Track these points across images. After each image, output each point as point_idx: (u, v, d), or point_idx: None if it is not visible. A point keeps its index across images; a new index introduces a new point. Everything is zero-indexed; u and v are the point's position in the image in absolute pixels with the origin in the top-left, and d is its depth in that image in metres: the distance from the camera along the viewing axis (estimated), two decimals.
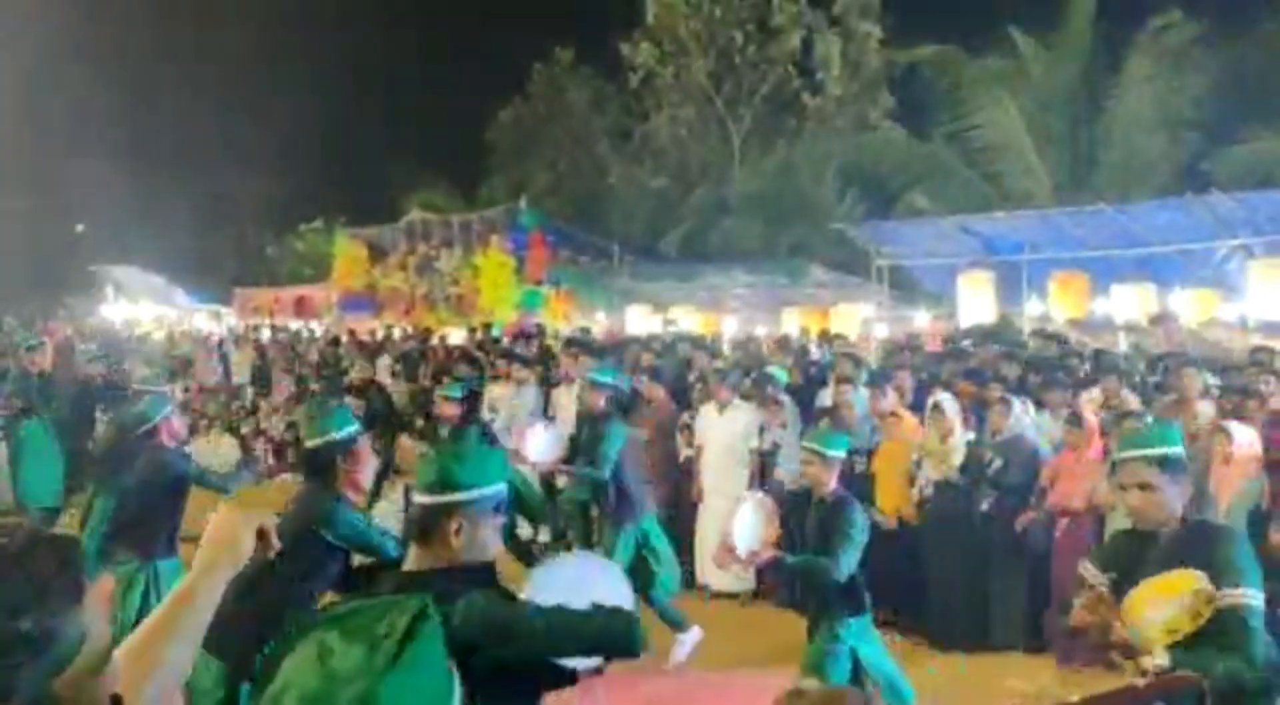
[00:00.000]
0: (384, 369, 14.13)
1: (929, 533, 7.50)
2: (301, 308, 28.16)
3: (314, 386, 16.41)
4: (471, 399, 12.01)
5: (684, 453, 9.14)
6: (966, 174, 20.76)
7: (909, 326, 15.74)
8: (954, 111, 21.16)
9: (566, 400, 10.21)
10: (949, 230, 16.40)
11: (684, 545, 9.01)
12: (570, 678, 2.52)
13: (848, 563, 4.86)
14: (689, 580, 8.84)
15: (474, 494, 2.61)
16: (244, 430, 15.55)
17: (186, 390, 18.00)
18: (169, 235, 32.27)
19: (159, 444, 5.91)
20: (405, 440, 7.79)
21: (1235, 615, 3.05)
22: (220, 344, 21.18)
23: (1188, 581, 3.09)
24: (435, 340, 17.41)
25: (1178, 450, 3.43)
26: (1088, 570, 3.47)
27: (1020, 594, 7.20)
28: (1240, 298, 13.82)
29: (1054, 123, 20.14)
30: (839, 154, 23.64)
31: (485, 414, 11.40)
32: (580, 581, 2.80)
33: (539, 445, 7.21)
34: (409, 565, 2.56)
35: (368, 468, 4.35)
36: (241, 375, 18.76)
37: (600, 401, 7.22)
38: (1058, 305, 15.29)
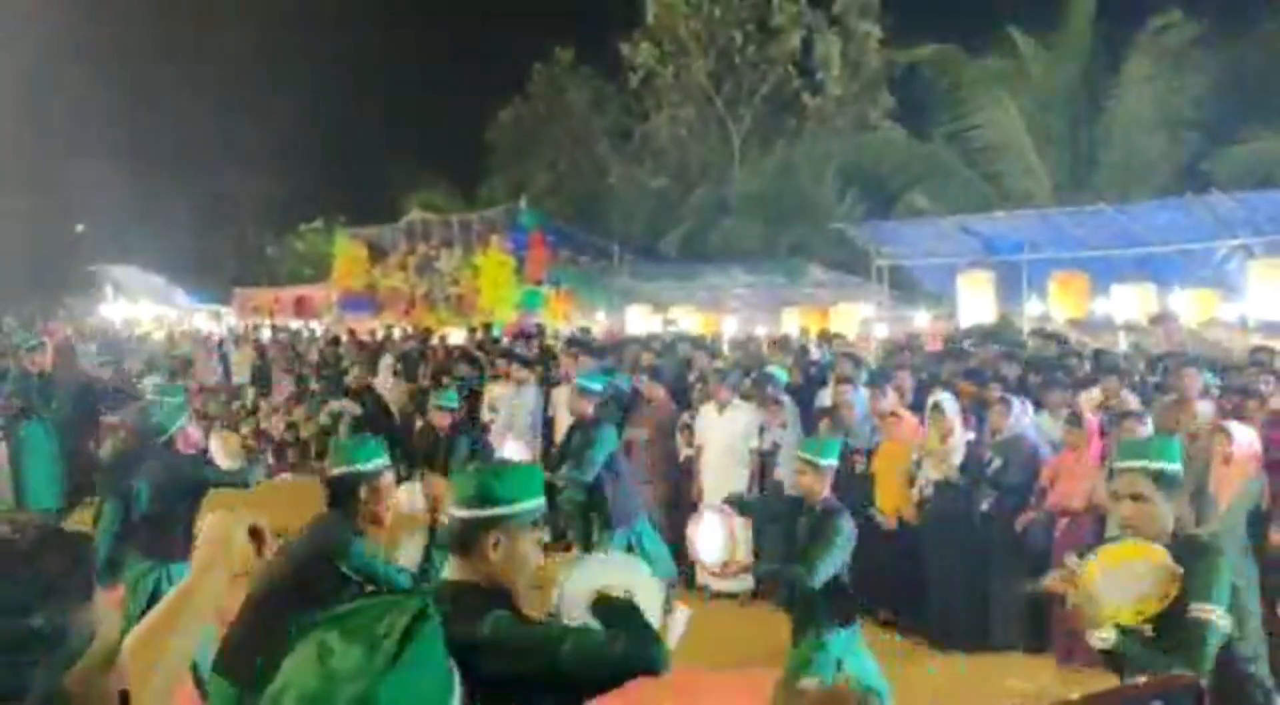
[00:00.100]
0: (386, 368, 14.14)
1: (929, 533, 7.50)
2: (301, 308, 28.17)
3: (314, 386, 16.43)
4: (472, 399, 12.06)
5: (684, 452, 9.15)
6: (966, 174, 20.77)
7: (909, 326, 15.75)
8: (954, 111, 21.16)
9: (566, 400, 10.22)
10: (949, 230, 16.40)
11: (684, 545, 9.03)
12: (576, 698, 2.55)
13: (823, 570, 4.78)
14: (689, 580, 8.85)
15: (513, 509, 2.66)
16: (244, 430, 15.55)
17: (186, 390, 18.00)
18: (169, 235, 32.28)
19: (176, 451, 5.96)
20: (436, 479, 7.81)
21: (1197, 628, 3.13)
22: (220, 344, 21.19)
23: (1143, 551, 3.17)
24: (435, 340, 17.42)
25: (1175, 466, 3.46)
26: (1071, 560, 3.53)
27: (1020, 594, 7.19)
28: (1240, 298, 13.83)
29: (1054, 123, 20.15)
30: (839, 154, 23.64)
31: (485, 414, 11.43)
32: (608, 580, 2.82)
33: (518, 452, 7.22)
34: (446, 575, 2.65)
35: (390, 502, 4.27)
36: (241, 375, 18.77)
37: (589, 408, 7.25)
38: (1058, 305, 15.30)
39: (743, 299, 20.29)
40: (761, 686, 4.78)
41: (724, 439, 8.65)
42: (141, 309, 30.27)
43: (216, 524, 1.93)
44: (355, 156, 33.99)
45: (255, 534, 1.94)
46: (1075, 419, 7.12)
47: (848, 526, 4.95)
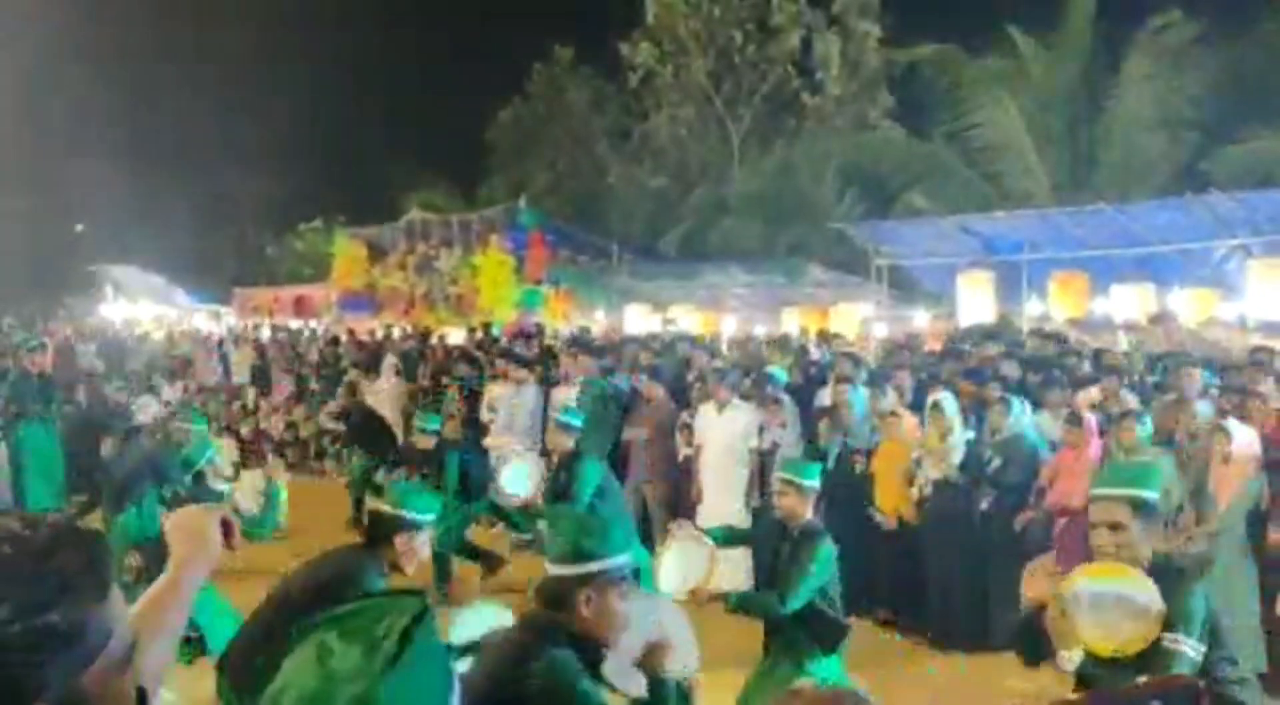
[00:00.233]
0: (390, 368, 14.15)
1: (929, 532, 7.50)
2: (301, 307, 28.16)
3: (314, 386, 16.44)
4: (471, 399, 12.07)
5: (683, 452, 9.15)
6: (966, 174, 20.76)
7: (908, 326, 15.74)
8: (953, 111, 21.16)
9: (566, 400, 10.22)
10: (948, 230, 16.41)
11: None
12: None
13: (795, 598, 4.67)
14: None
15: (604, 565, 2.77)
16: (244, 430, 15.57)
17: (186, 390, 18.01)
18: (169, 235, 32.27)
19: (204, 487, 5.91)
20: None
21: (1166, 658, 3.14)
22: (220, 344, 21.19)
23: (1132, 581, 3.16)
24: (435, 340, 17.42)
25: (1154, 494, 3.47)
26: (1048, 565, 3.54)
27: (1020, 593, 7.19)
28: (1239, 297, 13.83)
29: (1053, 122, 20.14)
30: (838, 153, 23.63)
31: (485, 413, 11.43)
32: (646, 621, 2.92)
33: (516, 479, 7.19)
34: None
35: (418, 559, 4.18)
36: (241, 375, 18.79)
37: (569, 443, 7.22)
38: (1057, 305, 15.29)
39: (742, 298, 20.29)
40: None
41: (723, 438, 8.64)
42: (141, 309, 30.26)
43: (189, 518, 1.93)
44: (355, 156, 34.01)
45: (225, 526, 1.96)
46: (1075, 418, 7.13)
47: (826, 549, 4.80)
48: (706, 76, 27.47)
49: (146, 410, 9.54)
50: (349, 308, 25.40)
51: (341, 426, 12.46)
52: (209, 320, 29.18)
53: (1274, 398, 7.36)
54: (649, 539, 9.09)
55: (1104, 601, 3.19)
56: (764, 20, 26.95)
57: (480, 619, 3.76)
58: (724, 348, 13.74)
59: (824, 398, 8.79)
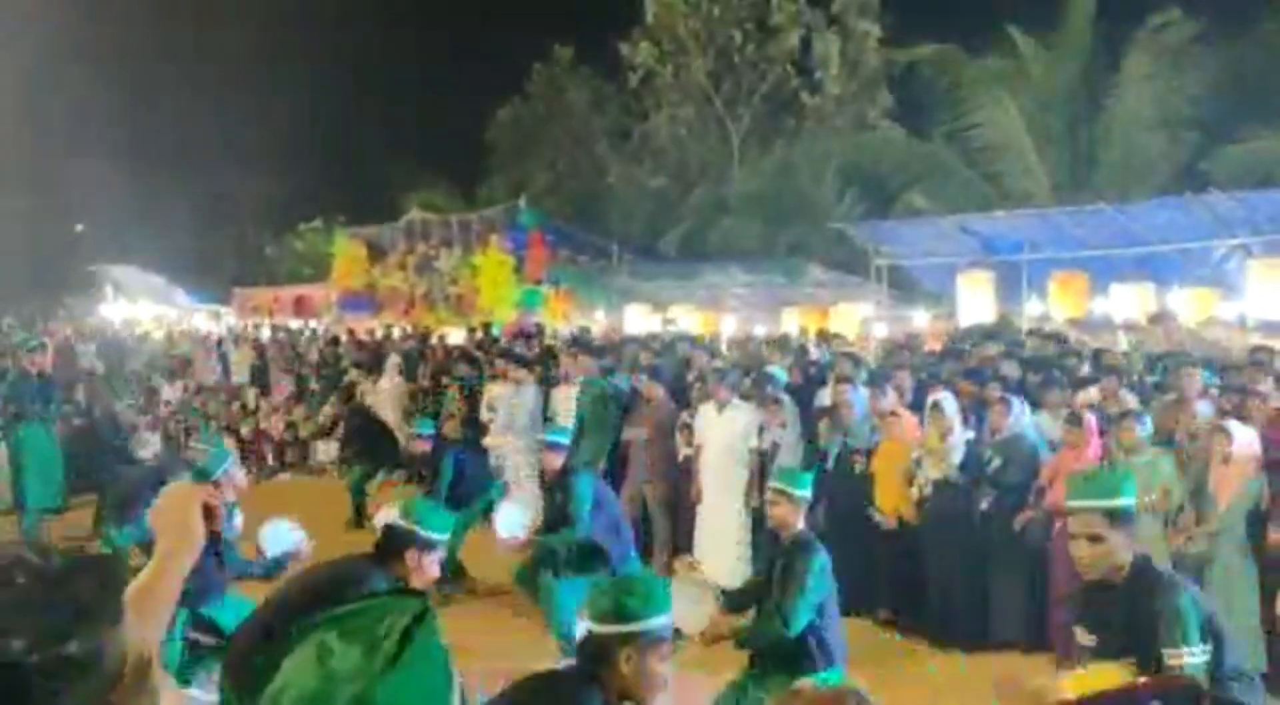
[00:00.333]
0: (393, 368, 14.15)
1: (929, 532, 7.50)
2: (301, 307, 28.16)
3: (313, 386, 16.45)
4: (471, 399, 12.08)
5: (683, 452, 9.14)
6: (966, 173, 20.76)
7: (908, 326, 15.74)
8: (953, 111, 21.15)
9: (566, 400, 10.23)
10: (948, 230, 16.40)
11: (682, 545, 9.02)
12: None
13: (798, 619, 4.64)
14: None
15: (646, 625, 2.78)
16: (244, 430, 15.57)
17: (186, 390, 18.02)
18: (169, 235, 32.28)
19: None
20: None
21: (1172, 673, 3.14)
22: (220, 344, 21.20)
23: (1108, 677, 3.15)
24: (435, 340, 17.43)
25: (1128, 501, 3.48)
26: (1081, 636, 3.54)
27: (1020, 593, 7.20)
28: (1239, 297, 13.83)
29: (1053, 122, 20.14)
30: (838, 153, 23.63)
31: (484, 413, 11.44)
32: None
33: (509, 522, 7.18)
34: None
35: (427, 578, 4.14)
36: (241, 375, 18.80)
37: (557, 461, 7.21)
38: (1057, 305, 15.29)
39: (742, 298, 20.28)
40: None
41: (723, 438, 8.64)
42: (141, 309, 30.27)
43: (172, 504, 1.94)
44: (355, 156, 34.02)
45: (208, 512, 1.97)
46: (1075, 418, 7.12)
47: (820, 561, 4.77)
48: (706, 76, 27.47)
49: (148, 448, 9.54)
50: (349, 308, 25.40)
51: (337, 433, 12.50)
52: (209, 320, 29.19)
53: (1274, 397, 7.36)
54: (649, 538, 9.12)
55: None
56: (763, 20, 26.95)
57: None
58: (724, 348, 13.74)
59: (824, 398, 8.78)
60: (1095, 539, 3.39)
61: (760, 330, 16.55)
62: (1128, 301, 14.59)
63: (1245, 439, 6.52)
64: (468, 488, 8.78)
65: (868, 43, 25.96)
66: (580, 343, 12.96)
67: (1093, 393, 8.10)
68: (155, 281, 32.36)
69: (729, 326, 18.25)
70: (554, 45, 30.47)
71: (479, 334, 17.02)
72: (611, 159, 29.29)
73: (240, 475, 6.22)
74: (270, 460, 15.13)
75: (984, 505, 7.27)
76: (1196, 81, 18.71)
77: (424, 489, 8.49)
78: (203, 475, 5.88)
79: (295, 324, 24.70)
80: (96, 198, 31.63)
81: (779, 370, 9.64)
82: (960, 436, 7.40)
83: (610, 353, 11.64)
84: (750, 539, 8.42)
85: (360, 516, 10.92)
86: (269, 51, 31.65)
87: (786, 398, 8.81)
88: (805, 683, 1.90)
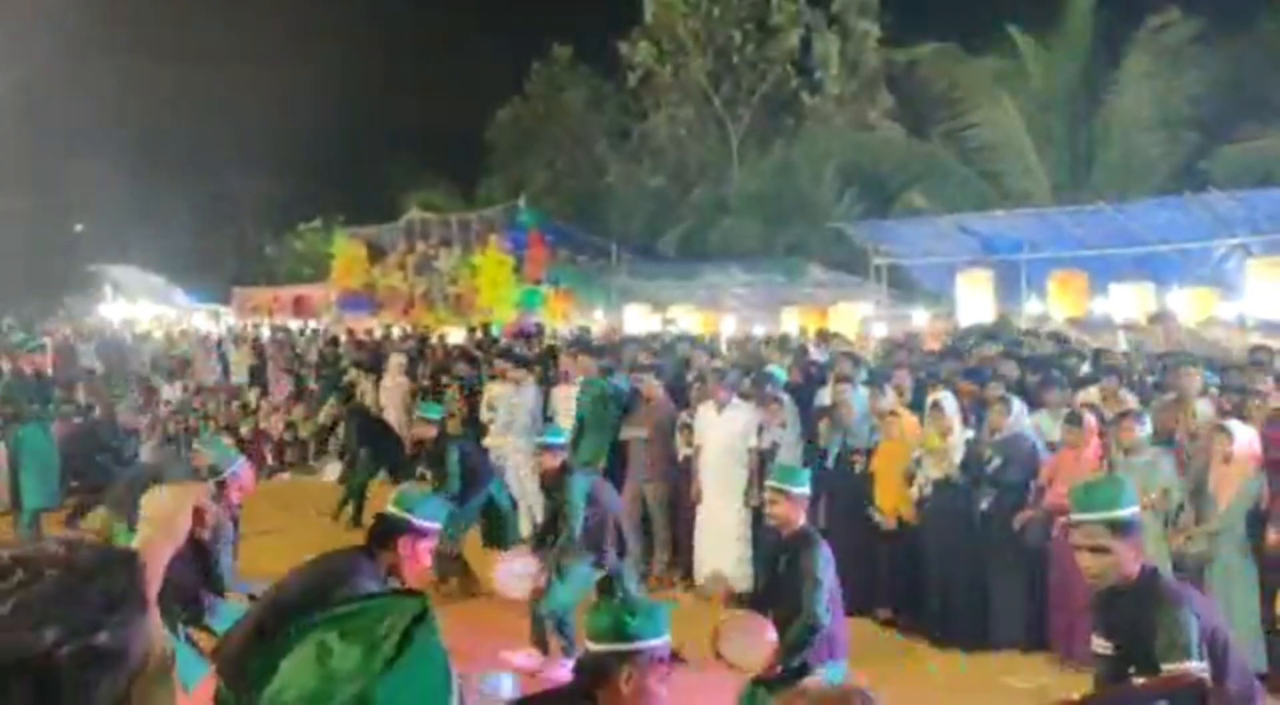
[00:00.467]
0: (397, 367, 14.16)
1: (929, 532, 7.50)
2: (300, 307, 28.16)
3: (312, 386, 16.45)
4: (471, 398, 12.09)
5: (683, 452, 9.14)
6: (965, 173, 20.75)
7: (907, 325, 15.74)
8: (952, 110, 21.15)
9: (566, 400, 10.23)
10: (947, 229, 16.42)
11: (682, 544, 9.03)
12: None
13: (820, 610, 4.77)
14: (687, 579, 8.86)
15: (645, 645, 2.80)
16: (244, 430, 15.57)
17: (186, 390, 18.03)
18: (168, 235, 32.25)
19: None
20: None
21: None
22: (219, 343, 21.21)
23: None
24: (434, 340, 17.43)
25: (1131, 511, 3.50)
26: (1098, 644, 3.58)
27: (1020, 592, 7.20)
28: (1239, 296, 13.83)
29: (1053, 122, 20.14)
30: (837, 153, 23.62)
31: (484, 413, 11.44)
32: None
33: (511, 579, 7.20)
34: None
35: (419, 568, 4.12)
36: (240, 375, 18.80)
37: (554, 461, 7.24)
38: (1056, 304, 15.30)
39: (741, 298, 20.29)
40: None
41: (723, 438, 8.63)
42: (141, 309, 30.27)
43: (159, 503, 1.95)
44: (355, 156, 33.97)
45: (197, 513, 1.98)
46: (1075, 418, 7.12)
47: (825, 553, 4.91)
48: (705, 76, 27.46)
49: (146, 448, 9.54)
50: (348, 308, 25.40)
51: (338, 433, 12.51)
52: (208, 320, 29.19)
53: (1274, 397, 7.35)
54: (649, 538, 9.13)
55: None
56: (763, 20, 26.95)
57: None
58: (724, 348, 13.74)
59: (824, 397, 8.78)
60: (1100, 550, 3.42)
61: (760, 330, 16.55)
62: (1127, 301, 14.60)
63: (1245, 439, 6.52)
64: (472, 482, 8.79)
65: (867, 42, 25.96)
66: (580, 343, 12.96)
67: (1093, 393, 8.10)
68: (155, 281, 32.36)
69: (729, 326, 18.25)
70: (553, 45, 30.49)
71: (479, 334, 17.02)
72: (611, 159, 29.29)
73: (249, 477, 6.19)
74: (270, 460, 15.13)
75: (984, 505, 7.27)
76: (1196, 81, 18.70)
77: (432, 486, 8.49)
78: (214, 472, 5.88)
79: (295, 324, 24.70)
80: (96, 198, 31.62)
81: (779, 370, 9.64)
82: (960, 436, 7.40)
83: (610, 353, 11.64)
84: (750, 538, 8.42)
85: (360, 515, 10.93)
86: (269, 51, 31.65)
87: (786, 397, 8.81)
88: (810, 682, 1.90)
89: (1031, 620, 7.13)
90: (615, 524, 7.22)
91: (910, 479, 7.56)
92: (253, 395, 17.40)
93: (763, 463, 8.43)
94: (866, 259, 17.41)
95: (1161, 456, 6.78)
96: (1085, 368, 9.48)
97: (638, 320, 20.11)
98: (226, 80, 33.24)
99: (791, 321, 17.10)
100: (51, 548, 1.21)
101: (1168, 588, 3.47)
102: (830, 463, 8.06)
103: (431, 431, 9.08)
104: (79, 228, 37.31)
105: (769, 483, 5.33)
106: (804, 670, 4.77)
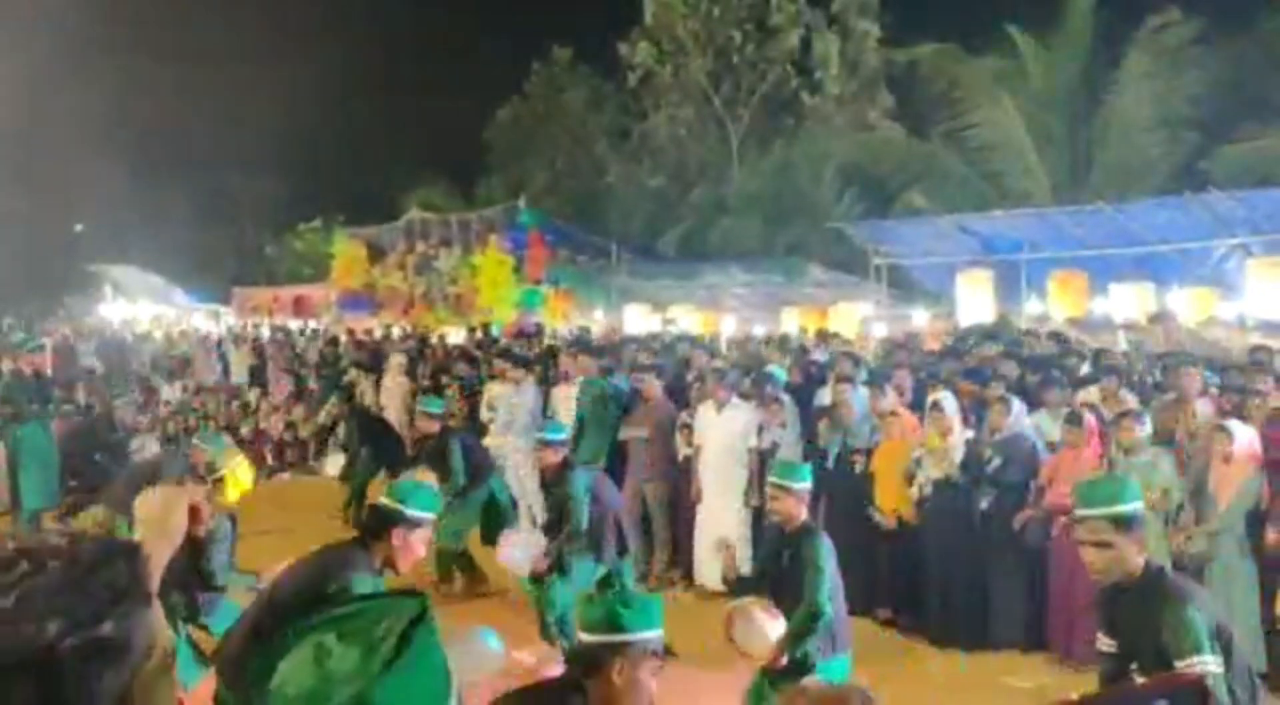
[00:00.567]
0: (398, 367, 14.17)
1: (929, 532, 7.50)
2: (300, 307, 28.17)
3: (312, 386, 16.45)
4: (471, 398, 12.09)
5: (683, 452, 9.14)
6: (965, 173, 20.76)
7: (907, 325, 15.74)
8: (952, 110, 21.15)
9: (566, 400, 10.23)
10: (947, 229, 16.42)
11: (682, 544, 9.03)
12: None
13: (824, 601, 4.83)
14: (687, 578, 8.86)
15: (637, 637, 2.81)
16: (244, 430, 15.57)
17: (185, 389, 18.03)
18: (168, 235, 32.25)
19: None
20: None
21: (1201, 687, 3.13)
22: (219, 343, 21.21)
23: None
24: (434, 340, 17.43)
25: (1134, 506, 3.51)
26: (1102, 642, 3.60)
27: (1020, 592, 7.20)
28: (1239, 296, 13.83)
29: (1052, 122, 20.14)
30: (837, 153, 23.63)
31: (484, 413, 11.44)
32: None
33: (514, 554, 7.21)
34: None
35: (414, 558, 4.11)
36: (240, 375, 18.81)
37: (554, 458, 7.25)
38: (1056, 304, 15.29)
39: (741, 298, 20.29)
40: None
41: (723, 438, 8.63)
42: (140, 308, 30.28)
43: (155, 504, 1.96)
44: (355, 156, 34.00)
45: (193, 512, 1.99)
46: (1075, 418, 7.11)
47: (827, 545, 4.99)
48: (705, 76, 27.47)
49: (145, 447, 9.52)
50: (348, 308, 25.41)
51: (338, 433, 12.50)
52: (208, 320, 29.21)
53: (1274, 397, 7.35)
54: (649, 538, 9.13)
55: None
56: (763, 20, 26.95)
57: None
58: (723, 347, 13.74)
59: (824, 397, 8.78)
60: (1103, 546, 3.43)
61: (760, 330, 16.55)
62: (1127, 301, 14.59)
63: (1245, 439, 6.52)
64: (476, 475, 8.81)
65: (867, 43, 25.97)
66: (580, 343, 12.96)
67: (1093, 393, 8.10)
68: (154, 281, 32.36)
69: (729, 326, 18.25)
70: (553, 45, 30.53)
71: (478, 334, 17.02)
72: (611, 159, 29.30)
73: (248, 474, 6.18)
74: (270, 460, 15.13)
75: (984, 505, 7.27)
76: (1196, 81, 18.70)
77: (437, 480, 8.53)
78: (211, 470, 5.88)
79: (295, 324, 24.70)
80: (96, 198, 31.59)
81: (779, 370, 9.64)
82: (960, 436, 7.40)
83: (610, 353, 11.64)
84: (750, 538, 8.42)
85: (360, 515, 10.92)
86: (269, 52, 31.65)
87: (786, 397, 8.81)
88: (811, 680, 1.90)
89: (1031, 620, 7.12)
90: (616, 521, 7.23)
91: (910, 479, 7.56)
92: (253, 395, 17.41)
93: (763, 463, 8.44)
94: (866, 259, 17.41)
95: (1161, 456, 6.78)
96: (1085, 368, 9.48)
97: (638, 320, 20.12)
98: (226, 80, 33.23)
99: (791, 321, 17.11)
100: (54, 540, 1.22)
101: (1173, 585, 3.47)
102: (830, 463, 8.05)
103: (434, 426, 9.12)
104: (79, 228, 37.30)
105: (770, 479, 5.37)
106: (806, 661, 4.80)
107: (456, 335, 18.42)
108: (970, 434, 7.51)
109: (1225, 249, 14.10)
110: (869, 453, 7.96)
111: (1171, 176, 18.33)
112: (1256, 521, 6.46)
